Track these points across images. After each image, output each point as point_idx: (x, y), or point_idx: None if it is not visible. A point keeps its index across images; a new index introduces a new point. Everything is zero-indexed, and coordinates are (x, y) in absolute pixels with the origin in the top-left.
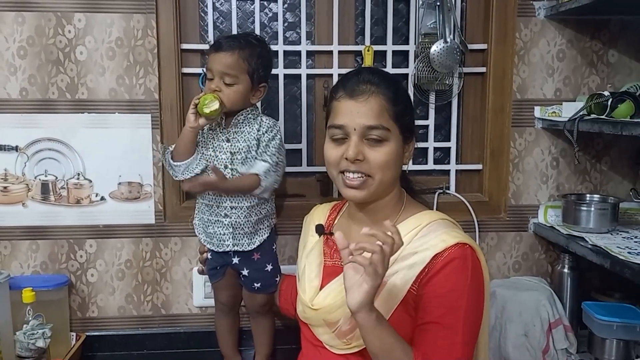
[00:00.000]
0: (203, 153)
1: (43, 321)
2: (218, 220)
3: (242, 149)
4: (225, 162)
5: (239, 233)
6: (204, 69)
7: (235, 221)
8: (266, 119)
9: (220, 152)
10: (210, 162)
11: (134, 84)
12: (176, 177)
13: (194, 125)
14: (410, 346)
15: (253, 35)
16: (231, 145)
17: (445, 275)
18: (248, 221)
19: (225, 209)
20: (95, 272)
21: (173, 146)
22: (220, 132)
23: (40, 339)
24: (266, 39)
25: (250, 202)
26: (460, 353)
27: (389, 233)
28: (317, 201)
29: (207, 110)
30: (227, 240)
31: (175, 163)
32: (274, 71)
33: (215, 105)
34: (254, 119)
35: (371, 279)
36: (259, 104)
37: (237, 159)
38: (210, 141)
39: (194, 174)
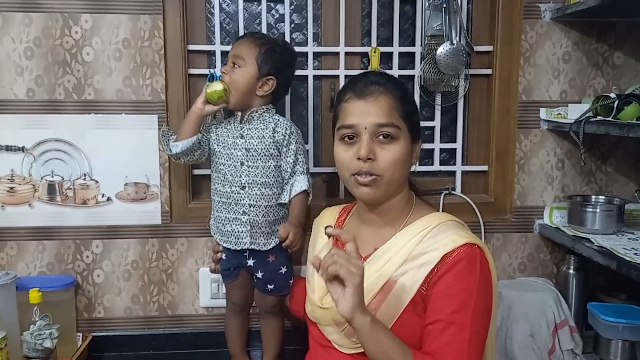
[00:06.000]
0: (219, 151)
1: (50, 321)
2: (236, 218)
3: (256, 147)
4: (241, 158)
5: (257, 232)
6: (211, 70)
7: (254, 219)
8: (283, 120)
9: (235, 149)
10: (226, 160)
11: (140, 85)
12: (170, 151)
13: (199, 107)
14: (411, 348)
15: (282, 39)
16: (245, 142)
17: (454, 275)
18: (265, 220)
19: (243, 206)
20: (102, 272)
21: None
22: (235, 129)
23: (48, 340)
24: None
25: (268, 202)
26: (468, 351)
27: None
28: (324, 202)
29: (208, 90)
30: (245, 238)
31: (174, 143)
32: None
33: (219, 86)
34: (269, 117)
35: (350, 280)
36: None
37: (252, 155)
38: (225, 139)
39: (187, 147)
